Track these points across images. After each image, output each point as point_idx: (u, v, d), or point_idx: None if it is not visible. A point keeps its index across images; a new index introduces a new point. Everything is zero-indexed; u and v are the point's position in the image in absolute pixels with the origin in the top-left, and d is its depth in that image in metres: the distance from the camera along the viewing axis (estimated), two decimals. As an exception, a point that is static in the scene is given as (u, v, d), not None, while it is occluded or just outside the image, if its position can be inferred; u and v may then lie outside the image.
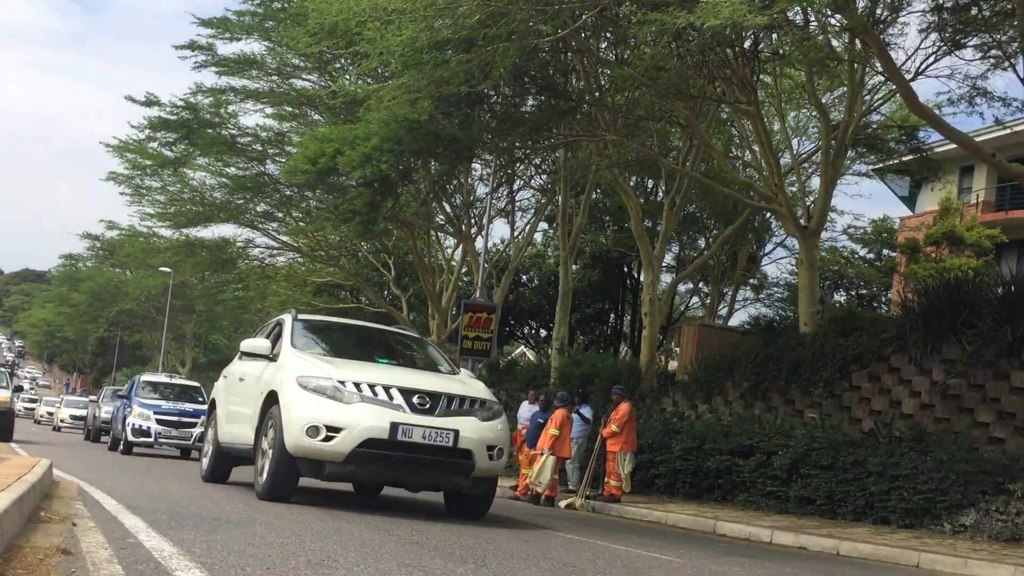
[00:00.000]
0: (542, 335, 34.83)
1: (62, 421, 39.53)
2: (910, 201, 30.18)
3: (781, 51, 14.21)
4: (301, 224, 26.74)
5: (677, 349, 36.31)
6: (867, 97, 17.08)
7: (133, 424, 18.83)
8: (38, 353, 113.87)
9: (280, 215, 27.16)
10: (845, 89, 17.38)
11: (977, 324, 13.64)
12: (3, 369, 23.11)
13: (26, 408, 51.49)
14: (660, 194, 26.05)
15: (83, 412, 40.24)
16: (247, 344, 9.49)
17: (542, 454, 13.96)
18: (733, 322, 29.46)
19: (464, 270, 29.34)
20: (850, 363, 15.21)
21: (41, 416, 50.52)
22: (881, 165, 24.90)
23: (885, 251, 31.17)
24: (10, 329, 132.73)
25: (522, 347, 40.49)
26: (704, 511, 12.93)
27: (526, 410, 15.47)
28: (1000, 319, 13.36)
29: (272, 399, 8.21)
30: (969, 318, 13.75)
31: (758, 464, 13.39)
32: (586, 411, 15.14)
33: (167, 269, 37.25)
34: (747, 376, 16.72)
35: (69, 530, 5.11)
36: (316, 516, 7.24)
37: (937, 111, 16.45)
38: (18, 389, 25.47)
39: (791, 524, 11.54)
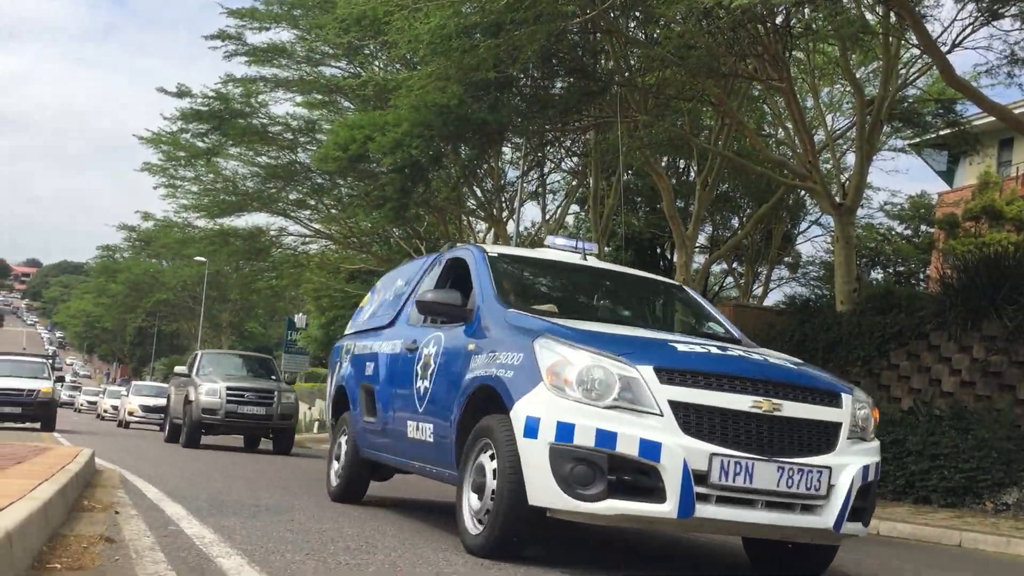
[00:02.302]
0: (575, 318, 34.72)
1: (131, 414, 36.74)
2: (948, 176, 29.70)
3: (813, 26, 13.98)
4: (333, 211, 26.88)
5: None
6: (902, 71, 16.78)
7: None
8: (78, 344, 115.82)
9: (312, 203, 27.33)
10: (879, 63, 17.11)
11: (1018, 299, 13.41)
12: (44, 360, 23.51)
13: (68, 395, 52.34)
14: (692, 174, 25.85)
15: (160, 401, 38.14)
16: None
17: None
18: (768, 302, 29.18)
19: (496, 254, 29.30)
20: (888, 341, 15.03)
21: (81, 405, 51.55)
22: (918, 140, 24.50)
23: (923, 227, 30.69)
24: (50, 320, 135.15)
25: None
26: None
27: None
28: (1042, 293, 13.14)
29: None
30: (1010, 294, 13.53)
31: (795, 444, 13.28)
32: None
33: (202, 259, 37.62)
34: (784, 356, 16.60)
35: (112, 518, 5.19)
36: (355, 506, 7.29)
37: (974, 83, 16.16)
38: (59, 380, 25.98)
39: (830, 504, 11.45)
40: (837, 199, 16.74)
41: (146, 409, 29.78)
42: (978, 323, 13.90)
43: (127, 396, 32.28)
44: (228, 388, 16.06)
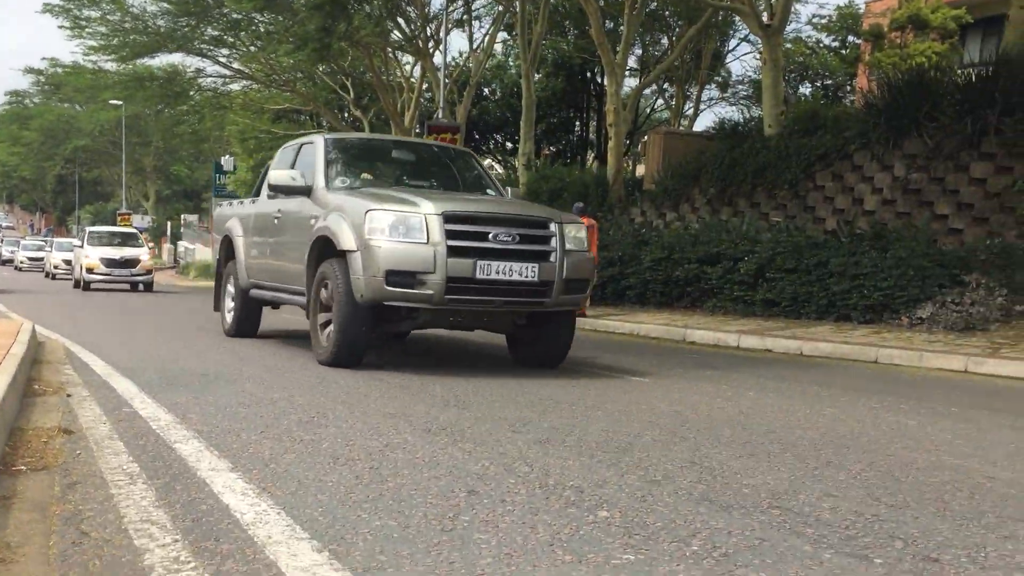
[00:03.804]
0: (508, 148, 34.55)
1: (21, 263, 40.62)
2: (875, -15, 29.38)
3: None
4: (252, 49, 25.84)
5: (644, 156, 36.31)
6: None
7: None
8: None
9: (230, 40, 26.17)
10: None
11: (938, 117, 13.76)
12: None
13: (8, 252, 51.66)
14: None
15: (40, 254, 41.96)
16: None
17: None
18: (699, 124, 29.37)
19: (425, 87, 28.72)
20: (814, 163, 15.41)
21: (21, 263, 49.79)
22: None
23: (851, 38, 30.65)
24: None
25: (489, 160, 40.23)
26: (675, 320, 13.41)
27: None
28: (961, 111, 13.47)
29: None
30: (931, 111, 13.86)
31: (725, 271, 13.77)
32: None
33: (118, 102, 36.12)
34: (713, 182, 16.91)
35: (65, 402, 5.29)
36: (300, 364, 7.49)
37: None
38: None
39: (757, 328, 12.03)
40: (765, 19, 16.62)
41: (111, 263, 24.26)
42: (900, 142, 14.29)
43: (83, 248, 24.96)
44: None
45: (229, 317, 10.02)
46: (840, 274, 12.08)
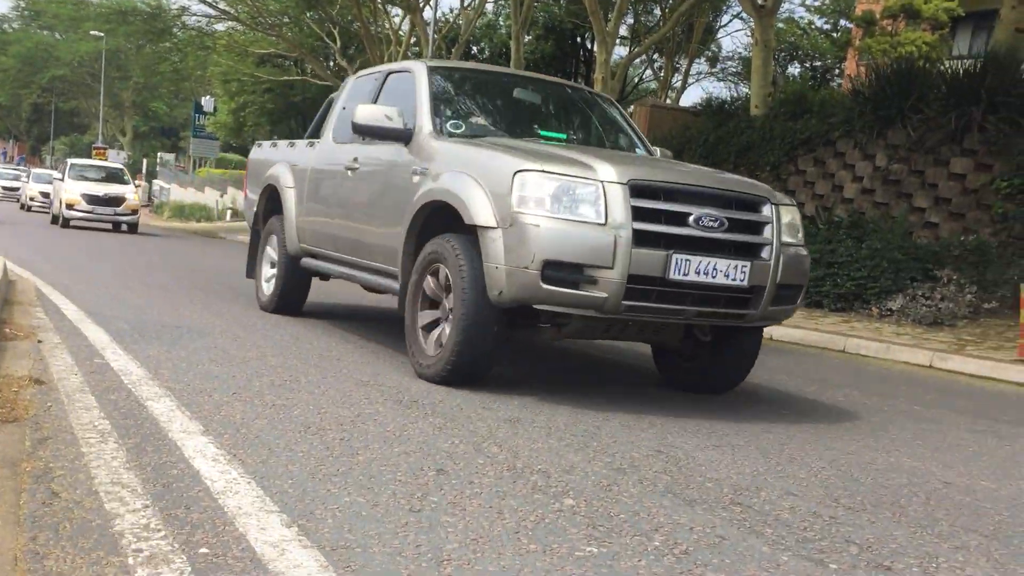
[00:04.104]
0: (493, 107, 34.33)
1: (32, 199, 38.12)
2: (871, -30, 29.33)
3: None
4: (239, -10, 25.42)
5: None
6: None
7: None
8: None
9: (217, -22, 25.74)
10: None
11: (923, 110, 13.84)
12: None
13: None
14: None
15: (16, 184, 40.44)
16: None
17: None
18: (686, 97, 29.35)
19: (413, 41, 28.41)
20: (797, 147, 15.47)
21: None
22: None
23: (843, 22, 30.65)
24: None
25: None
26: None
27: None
28: (946, 105, 13.54)
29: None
30: (917, 103, 13.93)
31: (702, 249, 13.84)
32: None
33: (99, 34, 35.44)
34: (696, 159, 16.90)
35: (36, 349, 5.27)
36: (274, 321, 7.49)
37: None
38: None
39: (730, 308, 12.14)
40: (759, 1, 16.56)
41: (93, 200, 22.86)
42: (884, 132, 14.36)
43: (64, 182, 23.23)
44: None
45: (267, 288, 8.04)
46: (815, 261, 12.16)
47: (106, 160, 44.03)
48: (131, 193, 23.56)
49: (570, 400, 5.10)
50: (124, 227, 23.52)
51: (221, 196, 35.50)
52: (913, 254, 11.71)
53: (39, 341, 5.55)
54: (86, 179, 23.50)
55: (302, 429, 3.86)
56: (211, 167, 41.83)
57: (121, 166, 26.56)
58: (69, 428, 3.59)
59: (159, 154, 54.36)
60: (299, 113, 33.26)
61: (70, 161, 25.07)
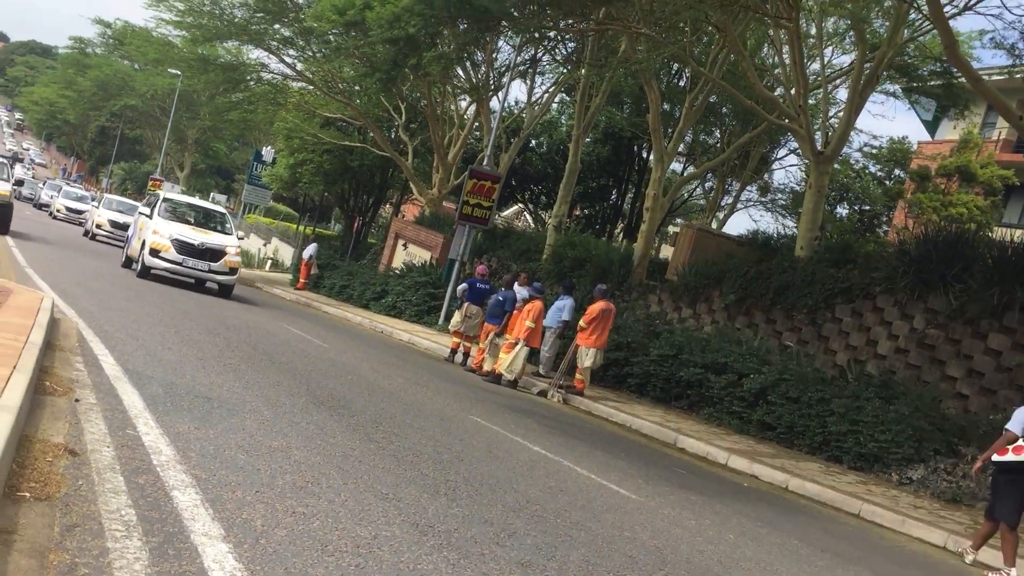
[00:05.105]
0: (543, 201, 34.86)
1: (58, 211, 39.54)
2: (932, 126, 29.80)
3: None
4: (318, 56, 26.23)
5: (674, 231, 36.51)
6: (907, 30, 16.65)
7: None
8: (36, 130, 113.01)
9: (300, 44, 26.63)
10: (888, 5, 16.91)
11: (967, 280, 13.87)
12: (3, 161, 23.13)
13: (48, 195, 44.64)
14: (683, 79, 25.62)
15: (81, 206, 39.71)
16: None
17: (516, 343, 14.41)
18: (733, 220, 29.65)
19: (476, 125, 29.07)
20: (837, 295, 15.51)
21: (58, 210, 44.93)
22: (909, 87, 24.47)
23: (897, 171, 30.97)
24: (11, 100, 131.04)
25: (519, 206, 40.53)
26: (668, 420, 13.47)
27: (519, 293, 15.77)
28: (989, 280, 13.58)
29: None
30: (961, 273, 13.97)
31: (729, 383, 13.84)
32: (566, 306, 15.35)
33: (176, 72, 36.62)
34: (735, 289, 17.03)
35: (72, 409, 5.41)
36: (301, 404, 7.59)
37: (977, 43, 16.03)
38: (19, 183, 25.65)
39: (748, 449, 12.08)
40: (819, 146, 16.85)
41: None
42: (925, 295, 14.38)
43: (152, 220, 20.23)
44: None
45: None
46: (841, 415, 12.14)
47: (196, 198, 45.01)
48: (233, 246, 18.71)
49: (583, 546, 5.12)
50: (216, 287, 18.48)
51: (264, 245, 36.06)
52: (940, 425, 11.63)
53: (76, 400, 5.70)
54: (180, 220, 19.12)
55: (320, 547, 3.93)
56: (260, 215, 42.62)
57: (224, 210, 21.86)
58: (97, 515, 3.69)
59: (212, 193, 55.51)
60: (353, 178, 33.95)
61: (163, 194, 20.36)
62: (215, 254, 17.87)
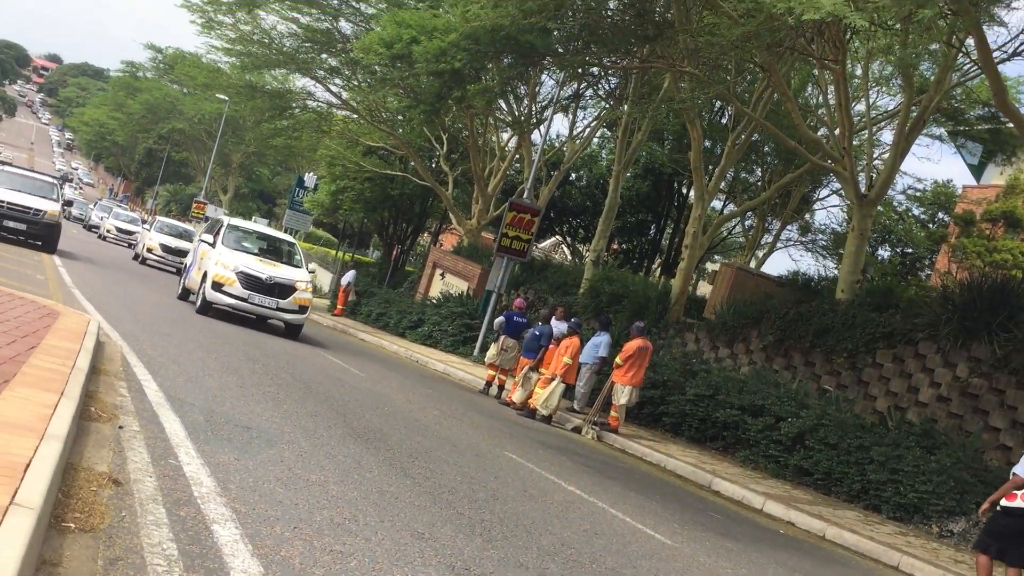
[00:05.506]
0: (580, 234, 34.89)
1: (108, 232, 40.00)
2: (978, 170, 29.42)
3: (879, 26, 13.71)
4: (364, 86, 26.62)
5: (713, 269, 36.33)
6: (955, 75, 16.53)
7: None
8: (85, 150, 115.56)
9: (346, 73, 27.06)
10: (935, 48, 16.82)
11: (1013, 330, 13.64)
12: (55, 181, 23.64)
13: (98, 216, 44.67)
14: (725, 116, 25.60)
15: (131, 228, 39.94)
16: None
17: (553, 379, 14.39)
18: (772, 260, 29.41)
19: (516, 157, 29.24)
20: (878, 340, 15.31)
21: (108, 231, 41.88)
22: (955, 131, 24.26)
23: (940, 214, 30.61)
24: (62, 121, 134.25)
25: (557, 238, 40.55)
26: (704, 461, 13.33)
27: (556, 327, 15.77)
28: (1036, 330, 13.35)
29: None
30: (1006, 321, 13.74)
31: (766, 426, 13.69)
32: (602, 342, 15.28)
33: (224, 97, 37.30)
34: (773, 330, 16.89)
35: (116, 436, 5.48)
36: (339, 436, 7.62)
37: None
38: (68, 203, 26.12)
39: (785, 494, 11.91)
40: (863, 189, 16.72)
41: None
42: (968, 342, 14.16)
43: (215, 248, 22.55)
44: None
45: None
46: (881, 464, 11.93)
47: (204, 215, 45.72)
48: (304, 281, 16.87)
49: (616, 593, 5.07)
50: (283, 326, 16.90)
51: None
52: (983, 477, 11.39)
53: (120, 427, 5.77)
54: (244, 250, 17.24)
55: (356, 588, 3.93)
56: (300, 239, 43.06)
57: (292, 240, 19.88)
58: (139, 549, 3.73)
59: (254, 216, 56.25)
60: (393, 206, 34.25)
61: (227, 220, 18.54)
62: (284, 289, 16.20)
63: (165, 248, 28.67)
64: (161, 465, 5.11)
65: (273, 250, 18.09)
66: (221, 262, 16.05)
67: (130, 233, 39.00)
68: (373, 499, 5.69)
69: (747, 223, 32.89)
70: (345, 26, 25.49)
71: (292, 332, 16.61)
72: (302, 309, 16.49)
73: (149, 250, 28.82)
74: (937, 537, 10.91)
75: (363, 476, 6.26)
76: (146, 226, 35.24)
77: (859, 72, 21.66)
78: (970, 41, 13.88)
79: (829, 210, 34.91)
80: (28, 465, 3.72)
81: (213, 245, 16.85)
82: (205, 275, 16.21)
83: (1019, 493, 7.67)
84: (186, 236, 29.57)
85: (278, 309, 16.13)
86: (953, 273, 23.04)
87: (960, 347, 14.20)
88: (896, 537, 10.65)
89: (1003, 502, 7.79)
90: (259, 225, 22.01)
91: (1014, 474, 7.83)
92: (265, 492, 5.09)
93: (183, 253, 26.30)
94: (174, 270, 27.07)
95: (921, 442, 12.33)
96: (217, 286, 15.82)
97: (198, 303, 16.34)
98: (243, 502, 4.76)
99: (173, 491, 4.64)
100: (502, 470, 8.40)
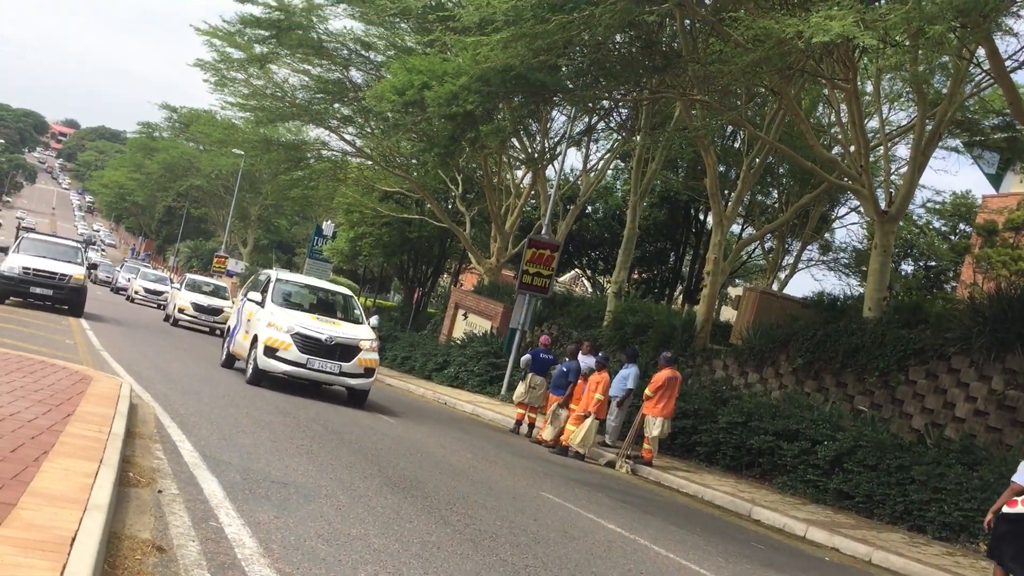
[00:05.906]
0: (599, 266, 34.88)
1: (136, 293, 39.36)
2: (996, 180, 29.23)
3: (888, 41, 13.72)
4: (377, 133, 26.89)
5: (736, 295, 36.16)
6: (968, 85, 16.49)
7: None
8: (106, 212, 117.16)
9: (359, 122, 27.36)
10: (946, 61, 16.80)
11: (1046, 339, 13.47)
12: (79, 245, 23.95)
13: (125, 278, 46.01)
14: (738, 140, 25.62)
15: (160, 288, 39.17)
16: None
17: (585, 416, 14.32)
18: (795, 282, 29.24)
19: (532, 194, 29.37)
20: (909, 357, 15.13)
21: (135, 292, 40.42)
22: (972, 141, 24.15)
23: (962, 226, 30.42)
24: (82, 184, 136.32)
25: (576, 271, 40.57)
26: (741, 489, 13.17)
27: (584, 361, 15.72)
28: (1071, 338, 13.17)
29: None
30: (1039, 331, 13.57)
31: (802, 450, 13.53)
32: (630, 374, 15.20)
33: (239, 152, 37.77)
34: (802, 352, 16.73)
35: (155, 501, 5.48)
36: (375, 486, 7.59)
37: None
38: (93, 266, 26.37)
39: (827, 519, 11.73)
40: (883, 205, 16.64)
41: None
42: (1003, 355, 13.97)
43: (178, 290, 22.78)
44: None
45: None
46: (922, 483, 11.75)
47: (224, 269, 46.09)
48: (369, 339, 14.76)
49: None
50: (346, 393, 14.77)
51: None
52: (1028, 491, 11.17)
53: (159, 491, 5.77)
54: (299, 308, 15.54)
55: (406, 645, 3.89)
56: (321, 288, 43.25)
57: (349, 292, 17.17)
58: (189, 617, 3.71)
59: (274, 267, 56.75)
60: (412, 249, 34.44)
61: (274, 275, 16.16)
62: (347, 351, 14.02)
63: (197, 307, 27.25)
64: (203, 528, 5.10)
65: (329, 305, 16.35)
66: (273, 323, 14.03)
67: (159, 294, 38.32)
68: (415, 550, 5.65)
69: (767, 245, 32.77)
70: (356, 75, 25.84)
71: (357, 399, 14.49)
72: (368, 372, 14.31)
73: (181, 310, 27.26)
74: (986, 556, 10.68)
75: (403, 527, 6.22)
76: (175, 285, 34.51)
77: (870, 89, 21.65)
78: (981, 51, 13.87)
79: (849, 228, 34.85)
80: (74, 539, 3.72)
81: (262, 304, 14.80)
82: (255, 339, 14.20)
83: (1019, 499, 7.66)
84: (219, 293, 29.27)
85: (341, 374, 13.98)
86: (979, 284, 22.80)
87: (994, 360, 14.01)
88: (944, 558, 10.45)
89: (1004, 508, 7.78)
90: (311, 278, 19.37)
91: (1013, 482, 7.81)
92: (307, 550, 5.06)
93: (217, 311, 26.76)
94: (207, 330, 27.21)
95: (962, 459, 12.14)
96: (270, 351, 13.80)
97: (249, 372, 14.33)
98: (287, 562, 4.73)
99: (216, 554, 4.63)
100: (541, 511, 8.33)
